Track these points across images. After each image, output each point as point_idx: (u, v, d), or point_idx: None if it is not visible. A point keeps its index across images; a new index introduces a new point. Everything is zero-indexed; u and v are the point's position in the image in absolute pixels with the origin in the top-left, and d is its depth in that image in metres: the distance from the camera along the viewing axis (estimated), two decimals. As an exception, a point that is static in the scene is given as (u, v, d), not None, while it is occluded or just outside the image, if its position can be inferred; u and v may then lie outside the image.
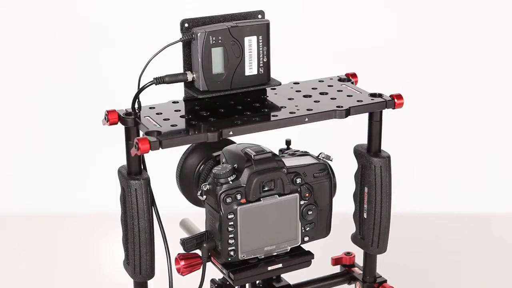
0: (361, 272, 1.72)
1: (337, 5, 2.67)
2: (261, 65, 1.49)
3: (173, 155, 1.57)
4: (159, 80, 1.44)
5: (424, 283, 2.17)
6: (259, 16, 1.50)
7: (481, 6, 2.67)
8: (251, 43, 1.47)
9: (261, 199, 1.41)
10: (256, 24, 1.47)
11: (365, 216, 1.61)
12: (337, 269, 1.78)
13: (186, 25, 1.46)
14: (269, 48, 1.49)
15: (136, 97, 1.42)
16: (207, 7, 2.66)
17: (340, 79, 1.65)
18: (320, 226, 1.49)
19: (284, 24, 2.59)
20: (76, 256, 2.33)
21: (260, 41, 1.47)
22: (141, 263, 1.43)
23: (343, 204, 1.66)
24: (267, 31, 1.48)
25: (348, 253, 1.77)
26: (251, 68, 1.48)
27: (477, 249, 2.35)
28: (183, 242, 1.45)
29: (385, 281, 1.70)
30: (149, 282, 1.49)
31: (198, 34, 1.42)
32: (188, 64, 1.47)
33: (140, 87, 1.42)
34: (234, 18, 1.48)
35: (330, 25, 2.64)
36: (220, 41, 1.44)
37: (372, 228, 1.61)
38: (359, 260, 1.73)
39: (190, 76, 1.46)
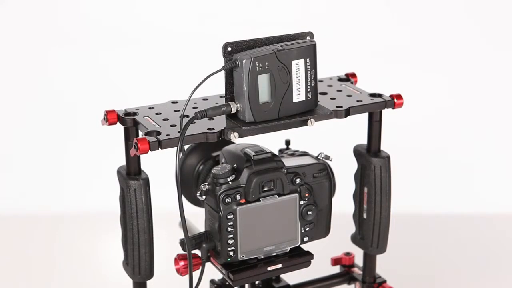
0: (361, 272, 1.72)
1: (337, 5, 2.67)
2: (309, 89, 1.39)
3: (173, 154, 1.57)
4: (202, 114, 1.34)
5: (424, 283, 2.16)
6: (308, 38, 1.41)
7: (481, 6, 2.67)
8: (298, 67, 1.37)
9: (261, 199, 1.41)
10: (304, 46, 1.37)
11: (364, 216, 1.61)
12: (336, 269, 1.78)
13: (229, 49, 1.35)
14: (316, 70, 1.38)
15: (182, 135, 1.33)
16: (212, 7, 2.66)
17: (340, 79, 1.65)
18: (319, 226, 1.49)
19: (283, 24, 2.59)
20: (76, 256, 2.33)
21: (308, 64, 1.38)
22: (140, 263, 1.43)
23: (343, 204, 1.66)
24: (314, 53, 1.38)
25: (347, 253, 1.77)
26: (299, 94, 1.38)
27: (477, 250, 2.34)
28: (182, 243, 1.45)
29: (385, 281, 1.70)
30: (148, 283, 1.49)
31: (244, 61, 1.32)
32: (230, 93, 1.37)
33: (184, 124, 1.33)
34: (280, 40, 1.38)
35: (330, 25, 2.64)
36: (266, 67, 1.33)
37: (372, 228, 1.61)
38: (359, 260, 1.73)
39: (234, 107, 1.35)
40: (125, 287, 1.66)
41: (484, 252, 2.33)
